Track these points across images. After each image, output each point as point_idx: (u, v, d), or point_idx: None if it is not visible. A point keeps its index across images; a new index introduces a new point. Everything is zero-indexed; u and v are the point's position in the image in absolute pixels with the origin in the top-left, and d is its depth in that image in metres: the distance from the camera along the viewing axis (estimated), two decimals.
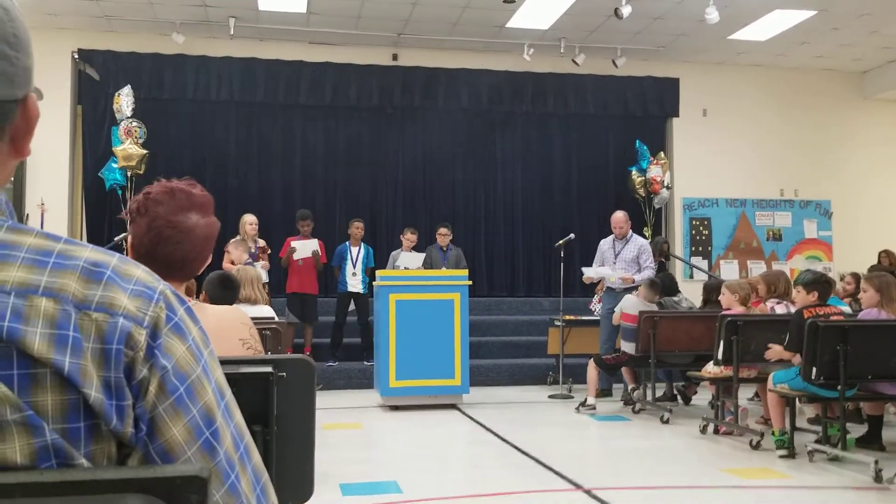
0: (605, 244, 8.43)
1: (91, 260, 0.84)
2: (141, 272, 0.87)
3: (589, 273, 8.39)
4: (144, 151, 9.63)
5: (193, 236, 1.83)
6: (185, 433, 0.84)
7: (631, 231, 8.39)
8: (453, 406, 7.71)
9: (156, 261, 1.81)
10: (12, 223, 0.85)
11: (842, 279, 9.24)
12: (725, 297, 6.72)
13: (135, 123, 9.66)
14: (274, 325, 4.84)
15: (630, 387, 7.83)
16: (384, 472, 5.25)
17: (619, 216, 8.37)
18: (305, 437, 2.24)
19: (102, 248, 0.88)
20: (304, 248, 8.96)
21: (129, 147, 9.61)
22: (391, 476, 5.09)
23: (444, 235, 9.53)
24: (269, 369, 2.16)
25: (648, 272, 8.09)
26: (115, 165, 9.75)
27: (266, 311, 5.77)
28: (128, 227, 1.87)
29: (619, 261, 8.18)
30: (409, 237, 9.38)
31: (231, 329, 2.59)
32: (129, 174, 9.68)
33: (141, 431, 0.83)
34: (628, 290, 8.02)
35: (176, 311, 0.87)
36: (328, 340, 9.37)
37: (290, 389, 2.20)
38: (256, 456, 0.92)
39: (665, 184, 11.28)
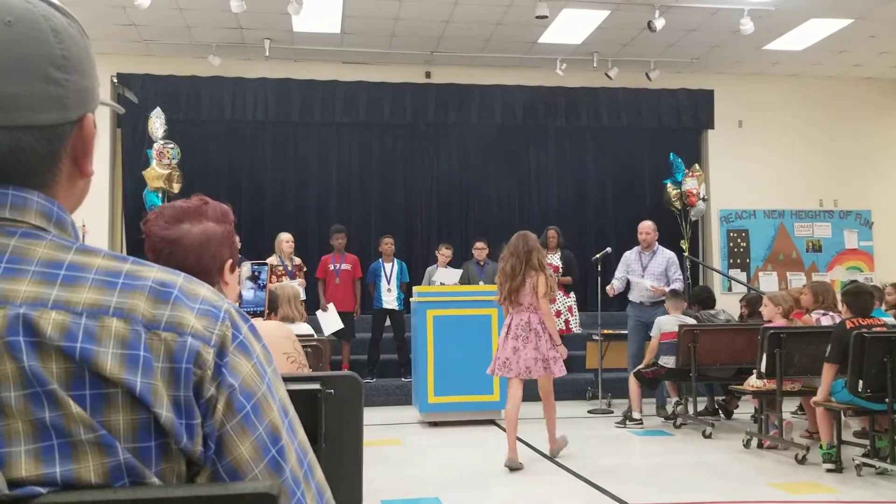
0: (631, 255, 8.25)
1: (158, 280, 0.85)
2: (206, 291, 0.88)
3: (636, 281, 8.12)
4: (168, 171, 9.71)
5: (184, 245, 1.83)
6: (252, 451, 0.84)
7: (658, 243, 8.26)
8: (492, 422, 7.68)
9: None
10: (81, 245, 0.86)
11: (883, 289, 9.06)
12: (767, 309, 6.64)
13: (168, 145, 9.78)
14: (315, 342, 4.86)
15: (674, 400, 7.74)
16: (425, 489, 5.23)
17: (646, 224, 8.23)
18: (354, 453, 2.24)
19: (168, 268, 0.88)
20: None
21: (155, 167, 9.73)
22: (432, 493, 5.07)
23: (480, 250, 9.52)
24: (317, 386, 2.19)
25: (678, 284, 7.94)
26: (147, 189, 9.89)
27: (305, 328, 5.79)
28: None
29: (647, 274, 8.03)
30: (444, 252, 9.38)
31: (275, 344, 2.61)
32: (164, 196, 9.81)
33: (209, 449, 0.83)
34: (657, 303, 7.92)
35: (241, 330, 0.88)
36: (364, 357, 9.39)
37: (337, 406, 2.22)
38: (319, 473, 0.93)
39: (701, 196, 11.17)
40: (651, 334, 7.57)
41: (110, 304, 0.81)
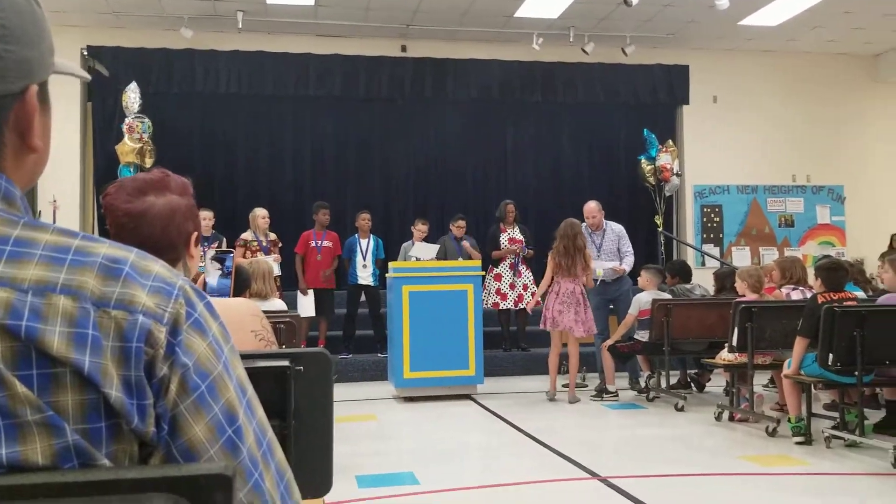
0: (586, 238, 8.26)
1: (109, 256, 0.82)
2: (159, 267, 0.86)
3: (598, 266, 8.15)
4: (140, 145, 9.58)
5: (149, 217, 1.79)
6: (207, 431, 0.82)
7: (605, 220, 8.27)
8: (468, 396, 7.71)
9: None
10: (28, 219, 0.83)
11: (855, 264, 9.16)
12: (739, 284, 6.70)
13: (139, 119, 9.63)
14: (288, 319, 4.83)
15: (646, 374, 7.81)
16: (400, 464, 5.25)
17: (591, 206, 8.21)
18: (323, 430, 2.23)
19: (119, 244, 0.86)
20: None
21: (127, 142, 9.60)
22: (408, 467, 5.10)
23: (460, 227, 9.50)
24: (286, 363, 2.16)
25: (629, 258, 8.07)
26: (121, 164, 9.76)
27: (278, 304, 5.76)
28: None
29: (602, 253, 8.10)
30: (420, 228, 9.37)
31: (242, 322, 2.58)
32: (136, 171, 9.68)
33: (163, 430, 0.81)
34: (618, 280, 8.04)
35: (196, 307, 0.86)
36: (341, 333, 9.38)
37: (307, 383, 2.20)
38: (280, 453, 0.91)
39: (675, 171, 11.21)
40: (629, 311, 7.62)
41: (58, 280, 0.78)
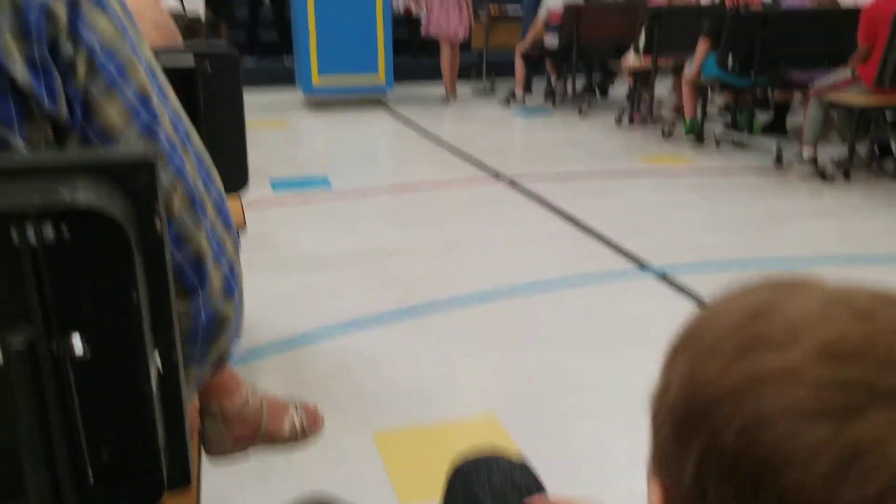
0: None
1: None
2: None
3: None
4: None
5: None
6: (121, 114, 0.82)
7: None
8: (378, 103, 7.71)
9: None
10: None
11: None
12: None
13: None
14: (188, 21, 4.59)
15: (552, 78, 7.90)
16: (313, 168, 5.36)
17: None
18: (236, 131, 2.23)
19: None
20: None
21: None
22: (320, 172, 5.20)
23: None
24: (191, 63, 2.10)
25: None
26: None
27: (171, 2, 5.45)
28: None
29: None
30: None
31: (140, 11, 2.44)
32: None
33: (76, 113, 0.81)
34: None
35: None
36: (243, 38, 9.02)
37: (215, 85, 2.16)
38: (197, 139, 0.92)
39: None
40: (538, 14, 7.52)
41: None
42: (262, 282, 3.25)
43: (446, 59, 7.80)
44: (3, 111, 0.77)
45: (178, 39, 2.29)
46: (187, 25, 4.53)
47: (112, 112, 0.82)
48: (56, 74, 0.78)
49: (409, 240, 3.88)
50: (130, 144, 0.83)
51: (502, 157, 5.67)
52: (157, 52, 2.10)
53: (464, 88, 8.68)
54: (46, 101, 0.78)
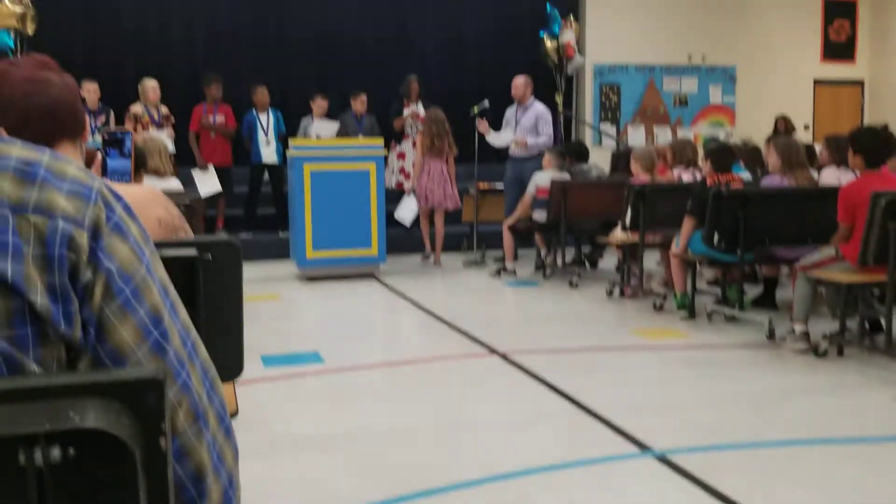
0: (510, 112, 8.57)
1: (22, 159, 0.80)
2: (74, 169, 0.84)
3: (490, 139, 8.52)
4: (22, 10, 8.92)
5: (58, 84, 1.72)
6: (133, 334, 0.83)
7: (533, 98, 8.47)
8: (371, 275, 7.80)
9: (32, 120, 1.68)
10: None
11: (745, 146, 9.51)
12: (633, 165, 6.90)
13: None
14: (187, 202, 4.73)
15: (542, 251, 8.05)
16: (305, 343, 5.33)
17: (517, 80, 8.50)
18: (233, 318, 2.23)
19: (32, 145, 0.84)
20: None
21: (7, 3, 8.91)
22: (312, 347, 5.18)
23: (362, 103, 9.34)
24: (193, 252, 2.13)
25: (545, 139, 8.27)
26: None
27: (175, 184, 5.62)
28: None
29: (518, 128, 8.35)
30: (319, 103, 9.15)
31: (146, 209, 2.51)
32: (17, 36, 9.03)
33: (89, 335, 0.82)
34: (529, 159, 8.20)
35: (115, 210, 0.85)
36: (239, 212, 9.23)
37: (216, 272, 2.18)
38: (203, 351, 0.93)
39: (578, 49, 11.24)
40: (527, 190, 7.77)
41: None
42: (252, 467, 3.16)
43: (425, 221, 8.57)
44: (20, 337, 0.77)
45: (182, 233, 2.35)
46: (187, 205, 4.66)
47: (125, 332, 0.82)
48: (74, 299, 0.79)
49: (401, 420, 3.81)
50: (140, 363, 0.83)
51: (494, 330, 5.67)
52: (161, 244, 2.13)
53: (455, 259, 8.82)
54: (63, 325, 0.79)
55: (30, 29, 8.96)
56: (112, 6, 10.28)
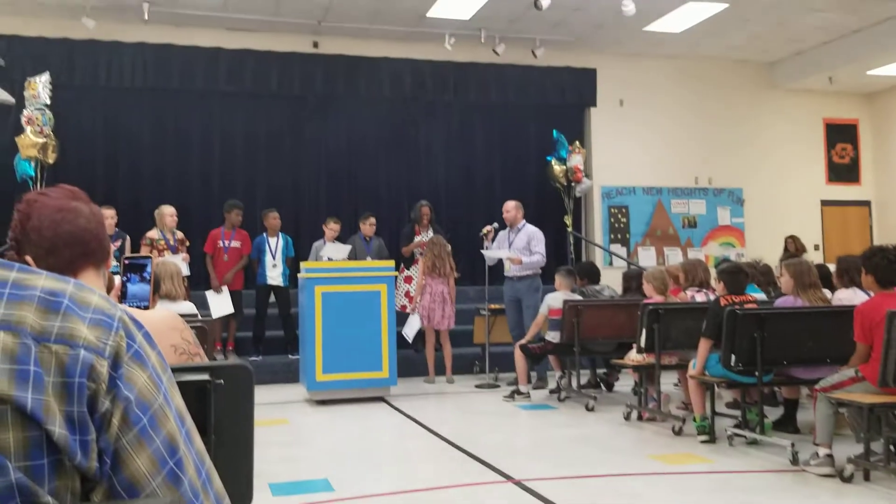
0: (502, 234, 8.73)
1: (47, 289, 0.82)
2: (98, 299, 0.85)
3: (485, 253, 8.67)
4: (43, 140, 9.20)
5: (86, 214, 1.75)
6: (149, 464, 0.83)
7: (524, 221, 8.65)
8: (381, 399, 7.69)
9: (59, 248, 1.71)
10: None
11: (757, 265, 9.52)
12: (646, 287, 6.89)
13: (36, 111, 9.23)
14: (200, 324, 4.71)
15: (557, 374, 7.96)
16: (314, 471, 5.20)
17: (507, 203, 8.72)
18: (244, 443, 2.18)
19: (57, 275, 0.85)
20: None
21: (30, 135, 9.20)
22: (322, 474, 5.04)
23: (371, 225, 9.48)
24: (206, 377, 2.11)
25: (538, 257, 8.38)
26: (20, 156, 9.34)
27: (187, 307, 5.61)
28: (9, 241, 1.76)
29: (512, 250, 8.49)
30: (332, 227, 9.29)
31: (163, 334, 2.50)
32: (38, 165, 9.28)
33: (105, 465, 0.82)
34: (524, 277, 8.31)
35: (135, 339, 0.86)
36: (249, 334, 9.23)
37: (227, 396, 2.15)
38: (217, 480, 0.93)
39: (586, 173, 11.47)
40: (540, 311, 7.76)
41: None
42: None
43: (431, 346, 8.68)
44: (36, 468, 0.76)
45: (197, 358, 2.33)
46: (202, 328, 4.64)
47: (140, 462, 0.81)
48: (91, 429, 0.79)
49: None
50: (155, 493, 0.82)
51: (510, 456, 5.53)
52: (176, 369, 2.10)
53: (467, 382, 8.71)
54: (79, 456, 0.79)
55: (50, 158, 9.23)
56: (132, 134, 10.60)
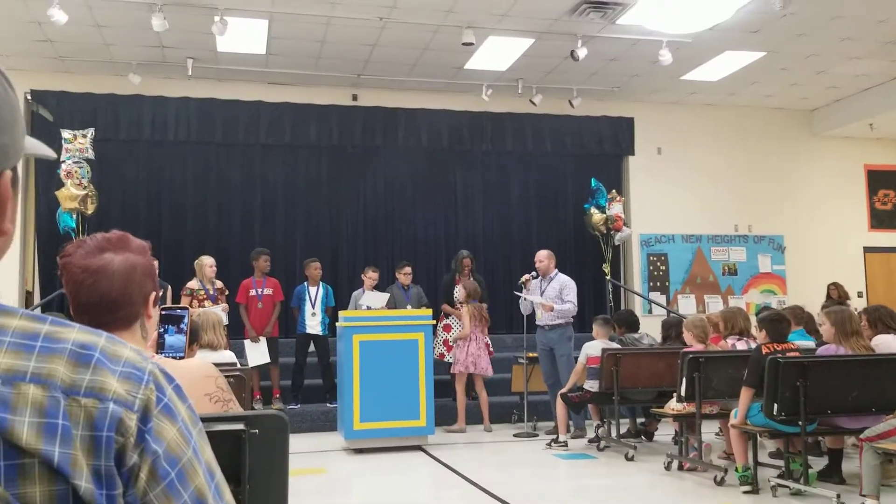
0: (535, 283, 8.65)
1: (79, 342, 0.82)
2: (129, 352, 0.85)
3: (521, 303, 8.58)
4: (83, 192, 9.43)
5: (108, 274, 1.76)
6: None
7: (556, 270, 8.58)
8: (418, 448, 7.64)
9: (84, 312, 1.75)
10: None
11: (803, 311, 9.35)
12: (686, 335, 6.80)
13: (77, 164, 9.46)
14: (238, 373, 4.75)
15: (595, 423, 7.85)
16: None
17: (540, 252, 8.66)
18: (278, 493, 2.19)
19: (89, 328, 0.85)
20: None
21: (70, 188, 9.44)
22: None
23: (406, 274, 9.51)
24: (241, 427, 2.13)
25: (569, 305, 8.29)
26: (61, 210, 9.58)
27: (228, 356, 5.67)
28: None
29: (544, 298, 8.36)
30: (370, 276, 9.34)
31: (198, 385, 2.53)
32: (78, 217, 9.50)
33: None
34: (555, 327, 8.22)
35: (165, 392, 0.85)
36: (288, 382, 9.27)
37: (262, 445, 2.17)
38: None
39: (625, 221, 11.44)
40: (578, 359, 7.70)
41: (27, 369, 0.77)
42: None
43: (462, 394, 8.75)
44: None
45: (232, 405, 2.36)
46: (240, 377, 4.68)
47: None
48: (119, 483, 0.78)
49: None
50: None
51: None
52: (210, 418, 2.12)
53: (504, 431, 8.62)
54: None
55: (90, 209, 9.43)
56: (175, 186, 10.82)
